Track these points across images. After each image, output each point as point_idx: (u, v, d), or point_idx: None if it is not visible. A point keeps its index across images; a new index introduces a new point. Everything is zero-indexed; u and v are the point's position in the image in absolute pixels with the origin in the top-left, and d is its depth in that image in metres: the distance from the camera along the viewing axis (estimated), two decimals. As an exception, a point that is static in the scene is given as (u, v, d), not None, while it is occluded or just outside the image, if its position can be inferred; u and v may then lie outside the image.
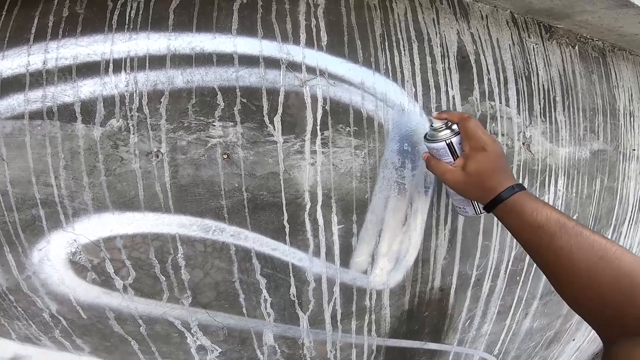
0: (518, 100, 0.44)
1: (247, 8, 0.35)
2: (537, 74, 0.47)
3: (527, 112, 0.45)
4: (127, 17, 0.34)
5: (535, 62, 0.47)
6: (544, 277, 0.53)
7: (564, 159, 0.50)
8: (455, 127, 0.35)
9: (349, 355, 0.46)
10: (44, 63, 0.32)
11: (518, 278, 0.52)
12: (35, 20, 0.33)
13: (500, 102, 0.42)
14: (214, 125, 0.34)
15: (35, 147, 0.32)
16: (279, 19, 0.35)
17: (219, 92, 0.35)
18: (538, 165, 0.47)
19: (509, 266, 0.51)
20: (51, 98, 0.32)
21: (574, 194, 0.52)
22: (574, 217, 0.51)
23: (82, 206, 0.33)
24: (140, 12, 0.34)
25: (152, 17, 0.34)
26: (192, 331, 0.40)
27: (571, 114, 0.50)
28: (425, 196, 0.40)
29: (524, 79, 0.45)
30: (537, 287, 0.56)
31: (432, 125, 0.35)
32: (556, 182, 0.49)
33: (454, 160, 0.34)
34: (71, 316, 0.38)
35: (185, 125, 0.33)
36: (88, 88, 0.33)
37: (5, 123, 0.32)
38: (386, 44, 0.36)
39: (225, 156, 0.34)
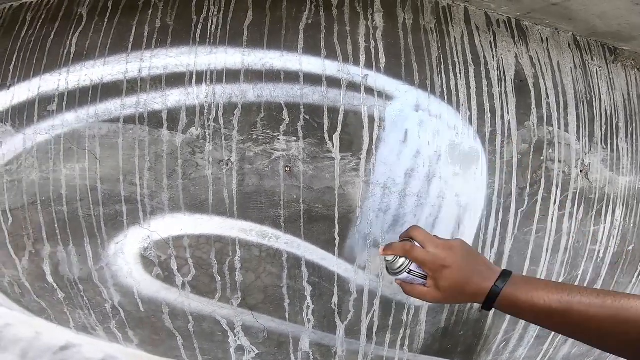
0: (578, 125, 0.51)
1: (311, 28, 0.46)
2: (600, 99, 0.53)
3: (587, 138, 0.52)
4: (209, 32, 0.45)
5: (599, 85, 0.54)
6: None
7: (623, 188, 0.56)
8: None
9: None
10: (139, 71, 0.44)
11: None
12: (134, 30, 0.45)
13: (559, 128, 0.49)
14: (279, 139, 0.44)
15: (126, 149, 0.44)
16: (340, 40, 0.46)
17: (285, 108, 0.45)
18: (595, 194, 0.54)
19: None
20: (143, 105, 0.44)
21: (632, 225, 0.58)
22: (630, 248, 0.57)
23: (160, 206, 0.45)
24: (220, 27, 0.46)
25: (229, 33, 0.45)
26: (235, 331, 0.51)
27: (634, 141, 0.57)
28: (474, 219, 0.50)
29: (585, 103, 0.52)
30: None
31: (386, 259, 0.41)
32: (614, 212, 0.56)
33: (425, 279, 0.39)
34: (130, 308, 0.50)
35: (253, 137, 0.44)
36: (174, 97, 0.44)
37: (102, 125, 0.44)
38: (442, 67, 0.45)
39: (287, 169, 0.45)
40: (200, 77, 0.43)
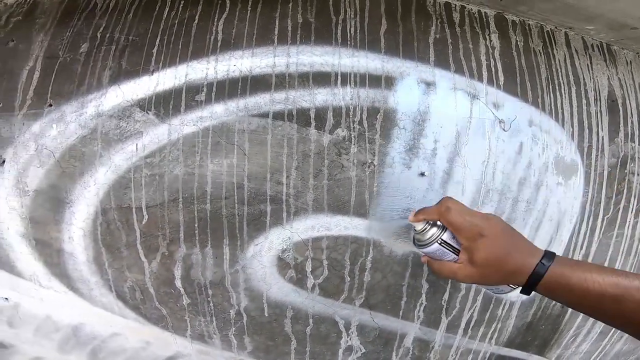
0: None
1: (440, 43, 0.53)
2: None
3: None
4: (349, 34, 0.49)
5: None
6: None
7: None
8: (440, 222, 0.37)
9: None
10: (287, 67, 0.46)
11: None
12: (277, 22, 0.47)
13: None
14: (416, 147, 0.51)
15: (275, 146, 0.44)
16: (466, 56, 0.53)
17: (420, 117, 0.50)
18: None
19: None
20: (292, 101, 0.46)
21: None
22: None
23: (304, 206, 0.45)
24: (358, 30, 0.48)
25: (367, 38, 0.49)
26: (349, 331, 0.53)
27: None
28: (569, 224, 0.60)
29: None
30: None
31: (414, 229, 0.37)
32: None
33: (457, 255, 0.35)
34: (255, 314, 0.50)
35: (394, 142, 0.50)
36: (322, 96, 0.46)
37: (251, 119, 0.44)
38: (550, 86, 0.57)
39: (423, 174, 0.48)
40: (345, 78, 0.48)
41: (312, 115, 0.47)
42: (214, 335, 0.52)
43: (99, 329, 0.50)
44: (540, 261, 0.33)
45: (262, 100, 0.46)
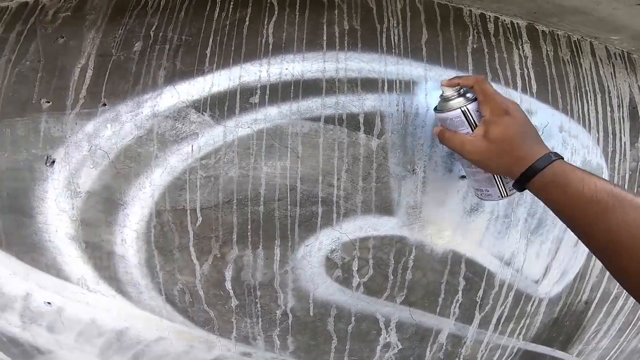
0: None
1: (477, 52, 0.54)
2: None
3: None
4: (393, 42, 0.50)
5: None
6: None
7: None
8: (469, 94, 0.37)
9: (492, 355, 0.65)
10: (336, 72, 0.46)
11: None
12: (324, 28, 0.46)
13: (654, 149, 0.70)
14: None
15: (326, 149, 0.45)
16: (501, 66, 0.55)
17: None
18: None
19: None
20: (342, 106, 0.46)
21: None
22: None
23: (353, 207, 0.46)
24: (401, 39, 0.49)
25: (410, 47, 0.50)
26: (389, 328, 0.54)
27: None
28: None
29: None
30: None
31: (442, 95, 0.37)
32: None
33: (472, 130, 0.35)
34: (300, 314, 0.50)
35: (436, 148, 0.51)
36: (370, 102, 0.47)
37: (304, 123, 0.44)
38: (578, 94, 0.60)
39: (463, 177, 0.50)
40: (391, 85, 0.49)
41: (361, 120, 0.48)
42: (258, 337, 0.52)
43: (144, 333, 0.49)
44: (547, 153, 0.33)
45: (313, 105, 0.47)
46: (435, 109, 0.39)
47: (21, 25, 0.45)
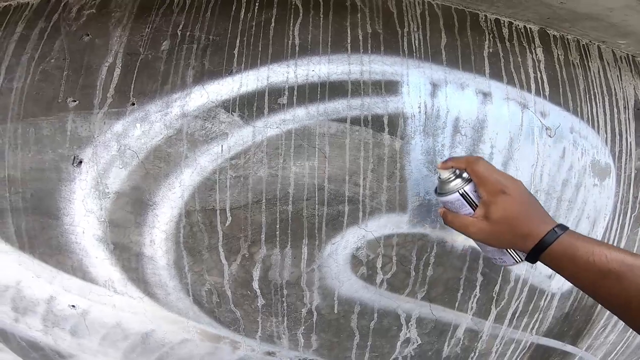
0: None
1: (493, 56, 0.56)
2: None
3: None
4: (414, 46, 0.50)
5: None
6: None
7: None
8: (465, 174, 0.38)
9: (507, 350, 0.66)
10: (361, 74, 0.46)
11: None
12: (348, 31, 0.47)
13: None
14: (477, 153, 0.54)
15: (353, 149, 0.45)
16: (516, 69, 0.56)
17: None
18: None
19: None
20: (367, 108, 0.47)
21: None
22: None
23: (378, 206, 0.47)
24: (422, 43, 0.50)
25: (430, 50, 0.50)
26: (409, 324, 0.55)
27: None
28: (604, 221, 0.65)
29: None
30: None
31: (440, 177, 0.38)
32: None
33: (473, 210, 0.36)
34: (325, 311, 0.50)
35: (457, 149, 0.53)
36: (393, 104, 0.48)
37: (331, 124, 0.44)
38: (587, 96, 0.62)
39: None
40: (413, 87, 0.49)
41: (386, 122, 0.49)
42: (282, 336, 0.53)
43: (169, 336, 0.48)
44: (553, 229, 0.33)
45: (340, 106, 0.47)
46: (436, 191, 0.39)
47: (44, 22, 0.44)
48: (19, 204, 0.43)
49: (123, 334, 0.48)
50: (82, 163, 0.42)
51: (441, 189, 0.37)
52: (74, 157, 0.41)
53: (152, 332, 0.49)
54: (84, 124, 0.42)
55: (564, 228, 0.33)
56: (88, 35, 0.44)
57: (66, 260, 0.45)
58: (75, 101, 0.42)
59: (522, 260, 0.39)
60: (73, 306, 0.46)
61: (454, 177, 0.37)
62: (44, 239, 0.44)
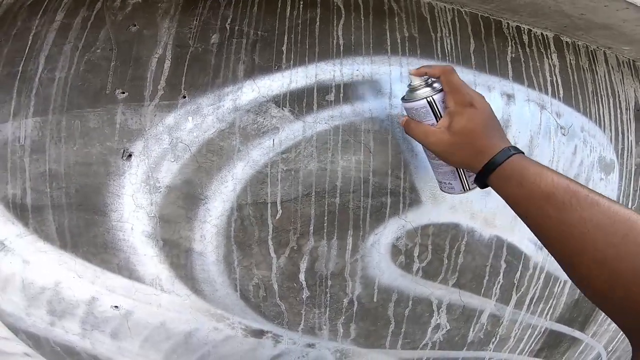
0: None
1: (515, 61, 0.61)
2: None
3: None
4: (446, 51, 0.53)
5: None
6: None
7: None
8: (436, 85, 0.37)
9: (524, 335, 0.69)
10: (400, 75, 0.46)
11: None
12: (388, 34, 0.47)
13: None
14: None
15: (394, 145, 0.46)
16: (535, 73, 0.61)
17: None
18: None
19: None
20: (403, 109, 0.46)
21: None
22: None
23: (416, 197, 0.47)
24: (453, 48, 0.53)
25: (461, 55, 0.54)
26: (440, 310, 0.57)
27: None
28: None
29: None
30: None
31: (410, 84, 0.37)
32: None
33: (437, 121, 0.35)
34: (365, 300, 0.51)
35: None
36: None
37: (375, 121, 0.45)
38: (595, 98, 0.67)
39: None
40: None
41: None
42: (324, 327, 0.53)
43: (213, 334, 0.47)
44: (507, 147, 0.32)
45: (382, 104, 0.48)
46: (403, 98, 0.38)
47: (86, 11, 0.42)
48: (61, 200, 0.41)
49: (166, 334, 0.47)
50: (132, 156, 0.40)
51: (409, 96, 0.37)
52: (124, 151, 0.40)
53: (195, 331, 0.47)
54: (134, 117, 0.40)
55: (517, 150, 0.33)
56: (135, 26, 0.42)
57: (112, 258, 0.42)
58: (124, 93, 0.40)
59: (470, 189, 0.40)
60: (116, 307, 0.44)
61: (424, 85, 0.36)
62: (89, 236, 0.42)
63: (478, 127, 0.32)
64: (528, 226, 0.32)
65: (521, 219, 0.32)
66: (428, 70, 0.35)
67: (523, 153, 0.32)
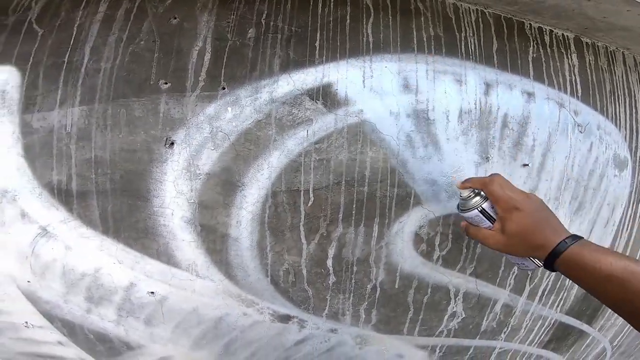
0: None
1: (536, 61, 0.63)
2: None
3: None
4: (470, 50, 0.55)
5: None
6: None
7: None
8: (484, 192, 0.41)
9: (534, 326, 0.71)
10: (426, 73, 0.47)
11: None
12: (414, 33, 0.48)
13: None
14: (521, 146, 0.58)
15: (418, 139, 0.46)
16: (555, 73, 0.63)
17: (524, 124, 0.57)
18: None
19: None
20: (431, 103, 0.47)
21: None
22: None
23: (438, 188, 0.48)
24: (476, 47, 0.54)
25: (484, 54, 0.55)
26: (457, 298, 0.59)
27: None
28: (621, 208, 0.71)
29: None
30: None
31: (461, 195, 0.42)
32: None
33: (492, 224, 0.39)
34: (387, 286, 0.52)
35: (508, 142, 0.57)
36: (455, 104, 0.49)
37: (401, 116, 0.45)
38: (612, 98, 0.69)
39: (525, 165, 0.55)
40: (470, 87, 0.54)
41: (447, 116, 0.52)
42: (347, 312, 0.55)
43: (242, 319, 0.49)
44: (563, 240, 0.36)
45: (409, 100, 0.50)
46: (458, 207, 0.43)
47: (128, 3, 0.43)
48: (106, 186, 0.43)
49: (198, 320, 0.48)
50: (174, 144, 0.42)
51: (463, 206, 0.41)
52: (167, 139, 0.41)
53: (225, 317, 0.49)
54: (176, 106, 0.42)
55: (575, 238, 0.36)
56: (175, 18, 0.43)
57: (152, 244, 0.44)
58: (167, 83, 0.42)
59: (542, 265, 0.42)
60: (152, 293, 0.45)
61: (473, 195, 0.41)
62: (131, 221, 0.43)
63: (528, 228, 0.36)
64: (602, 302, 0.37)
65: (594, 297, 0.37)
66: (472, 184, 0.40)
67: (581, 238, 0.36)
